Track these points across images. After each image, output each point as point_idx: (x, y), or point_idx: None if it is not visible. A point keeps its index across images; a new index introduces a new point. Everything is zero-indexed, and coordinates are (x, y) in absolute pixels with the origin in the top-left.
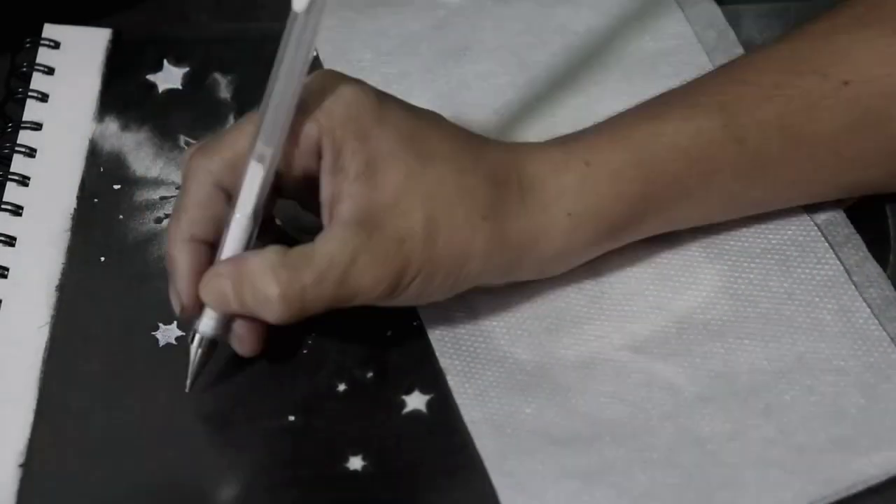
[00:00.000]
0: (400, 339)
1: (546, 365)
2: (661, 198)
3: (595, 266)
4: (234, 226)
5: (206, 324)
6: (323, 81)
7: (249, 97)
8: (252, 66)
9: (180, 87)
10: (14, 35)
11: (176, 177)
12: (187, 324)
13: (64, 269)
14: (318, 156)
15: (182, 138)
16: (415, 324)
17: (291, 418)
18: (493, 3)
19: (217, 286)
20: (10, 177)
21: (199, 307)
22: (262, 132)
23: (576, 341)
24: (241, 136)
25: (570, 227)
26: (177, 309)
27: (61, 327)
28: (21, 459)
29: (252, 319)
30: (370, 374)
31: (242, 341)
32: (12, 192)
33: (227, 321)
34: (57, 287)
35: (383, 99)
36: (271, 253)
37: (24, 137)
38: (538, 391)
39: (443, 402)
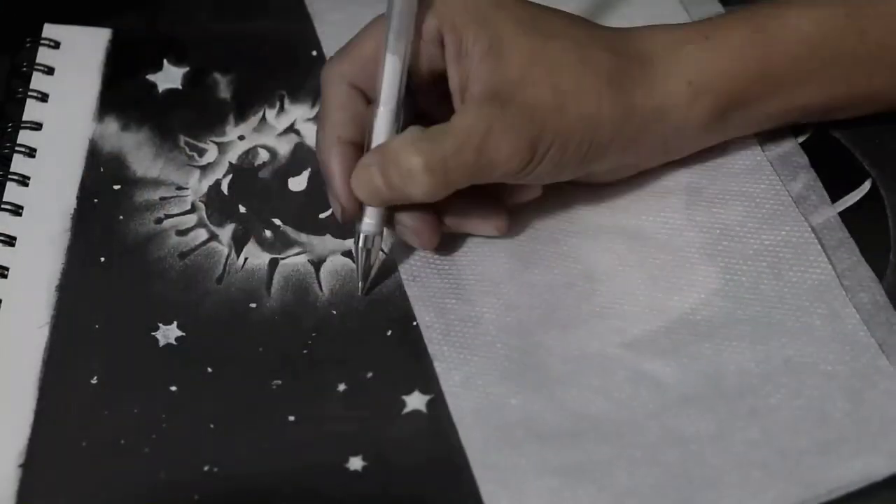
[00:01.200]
0: (400, 339)
1: (535, 355)
2: (780, 79)
3: (588, 265)
4: (379, 120)
5: (367, 222)
6: None
7: (249, 96)
8: (252, 66)
9: (180, 87)
10: (14, 35)
11: (175, 177)
12: (349, 224)
13: (64, 269)
14: (442, 46)
15: (182, 138)
16: (415, 324)
17: (291, 418)
18: None
19: (365, 176)
20: (9, 177)
21: (357, 207)
22: (392, 26)
23: (565, 334)
24: (368, 38)
25: (690, 96)
26: (337, 214)
27: (61, 327)
28: (21, 459)
29: (414, 207)
30: (370, 375)
31: (416, 232)
32: (12, 192)
33: (386, 216)
34: (57, 287)
35: None
36: (411, 131)
37: (24, 137)
38: (525, 382)
39: (443, 403)
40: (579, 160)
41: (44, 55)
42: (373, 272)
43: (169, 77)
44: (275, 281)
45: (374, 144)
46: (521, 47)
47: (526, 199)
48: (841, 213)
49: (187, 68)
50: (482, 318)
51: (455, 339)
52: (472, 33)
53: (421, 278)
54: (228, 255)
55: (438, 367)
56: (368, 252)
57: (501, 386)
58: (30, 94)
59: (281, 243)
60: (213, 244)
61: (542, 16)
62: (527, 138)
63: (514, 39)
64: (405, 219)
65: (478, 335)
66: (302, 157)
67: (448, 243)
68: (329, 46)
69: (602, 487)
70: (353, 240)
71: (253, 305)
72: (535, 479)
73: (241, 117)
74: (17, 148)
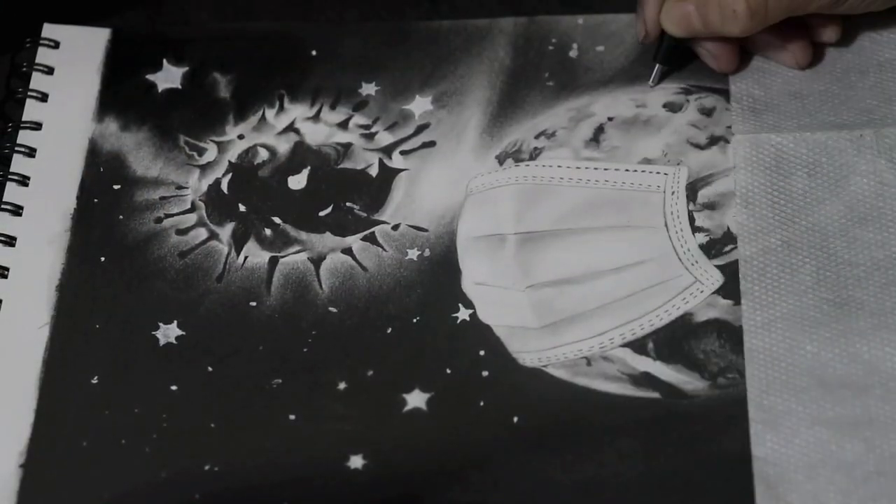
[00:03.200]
0: (400, 336)
1: (844, 308)
2: None
3: None
4: None
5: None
6: None
7: (249, 96)
8: (251, 66)
9: (180, 87)
10: (14, 35)
11: (175, 177)
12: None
13: (64, 269)
14: None
15: (182, 138)
16: (415, 321)
17: (292, 417)
18: None
19: (680, 12)
20: (9, 177)
21: (660, 33)
22: None
23: (882, 291)
24: None
25: None
26: (640, 35)
27: (61, 327)
28: (22, 459)
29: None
30: (370, 373)
31: (719, 59)
32: (12, 192)
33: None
34: (57, 287)
35: None
36: None
37: (24, 137)
38: (826, 332)
39: (443, 400)
40: None
41: (43, 55)
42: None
43: (168, 77)
44: (275, 279)
45: None
46: None
47: (826, 40)
48: None
49: (187, 68)
50: (802, 267)
51: (770, 281)
52: None
53: (754, 205)
54: (228, 254)
55: (745, 304)
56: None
57: (801, 333)
58: (29, 94)
59: (281, 241)
60: (213, 243)
61: None
62: None
63: None
64: (710, 46)
65: (793, 283)
66: (301, 155)
67: (785, 187)
68: None
69: (871, 448)
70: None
71: (253, 304)
72: (807, 428)
73: (240, 116)
74: (16, 148)
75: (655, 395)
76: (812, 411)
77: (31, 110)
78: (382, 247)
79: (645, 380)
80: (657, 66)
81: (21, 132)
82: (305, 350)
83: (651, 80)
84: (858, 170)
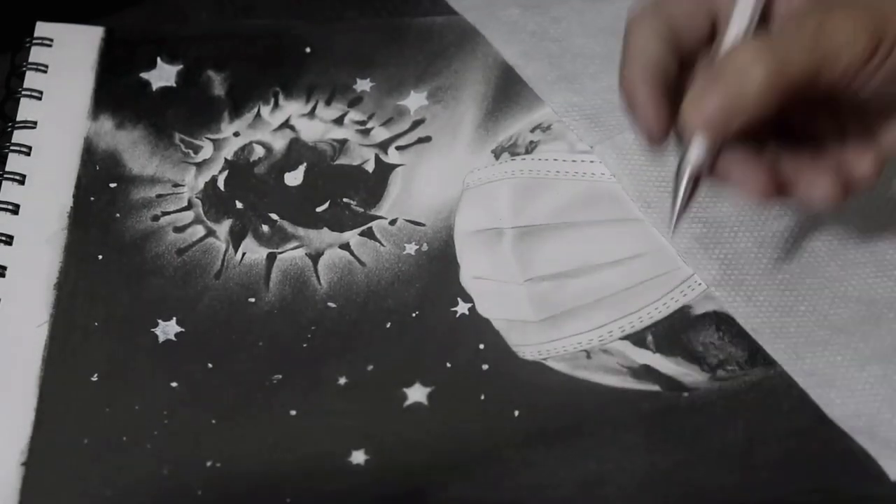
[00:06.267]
0: (400, 331)
1: (803, 260)
2: None
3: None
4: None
5: (695, 150)
6: None
7: (243, 93)
8: (246, 63)
9: (174, 85)
10: (13, 35)
11: (171, 174)
12: (655, 146)
13: (62, 267)
14: None
15: (177, 136)
16: (414, 315)
17: (293, 412)
18: None
19: (699, 92)
20: (6, 175)
21: (667, 131)
22: None
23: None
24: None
25: None
26: (646, 138)
27: (60, 325)
28: (23, 458)
29: (745, 153)
30: (370, 367)
31: (744, 181)
32: (9, 191)
33: (715, 151)
34: (55, 285)
35: None
36: (755, 40)
37: (20, 136)
38: (804, 287)
39: (443, 394)
40: None
41: (37, 53)
42: (686, 208)
43: (163, 75)
44: (273, 275)
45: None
46: None
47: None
48: None
49: (181, 66)
50: (740, 238)
51: (727, 264)
52: None
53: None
54: (226, 251)
55: (722, 294)
56: (693, 185)
57: (784, 297)
58: (24, 92)
59: (278, 238)
60: (211, 240)
61: None
62: (868, 25)
63: None
64: (738, 167)
65: (742, 253)
66: (297, 151)
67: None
68: (470, 16)
69: None
70: (674, 171)
71: (252, 300)
72: (859, 371)
73: (235, 114)
74: (12, 146)
75: (655, 387)
76: (850, 357)
77: (26, 109)
78: (380, 242)
79: (645, 372)
80: (677, 207)
81: (16, 131)
82: (305, 345)
83: (672, 227)
84: None
